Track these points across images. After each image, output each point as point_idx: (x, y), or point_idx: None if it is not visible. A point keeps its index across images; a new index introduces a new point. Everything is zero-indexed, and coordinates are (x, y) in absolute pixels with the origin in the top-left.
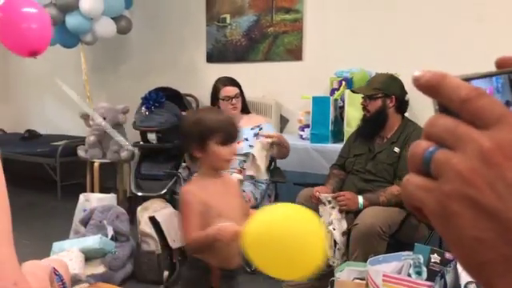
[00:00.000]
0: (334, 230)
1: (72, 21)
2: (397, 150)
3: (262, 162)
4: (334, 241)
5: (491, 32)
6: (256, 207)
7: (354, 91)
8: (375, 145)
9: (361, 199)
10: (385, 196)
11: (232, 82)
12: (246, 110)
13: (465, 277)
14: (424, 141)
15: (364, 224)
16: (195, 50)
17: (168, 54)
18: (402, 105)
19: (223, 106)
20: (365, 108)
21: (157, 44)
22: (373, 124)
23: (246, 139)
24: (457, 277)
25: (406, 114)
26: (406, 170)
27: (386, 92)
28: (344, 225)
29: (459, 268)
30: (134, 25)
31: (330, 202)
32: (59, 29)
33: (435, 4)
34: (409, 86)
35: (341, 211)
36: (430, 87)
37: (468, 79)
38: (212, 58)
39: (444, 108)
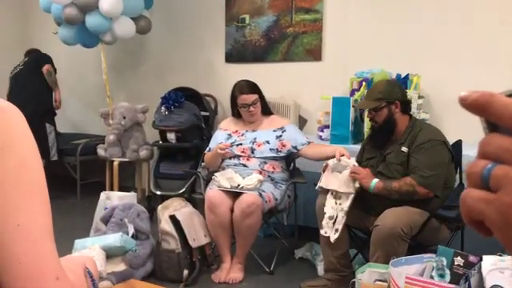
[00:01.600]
0: (340, 204)
1: (92, 21)
2: (404, 149)
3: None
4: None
5: None
6: (275, 207)
7: (357, 107)
8: (386, 147)
9: (375, 180)
10: (398, 183)
11: (249, 88)
12: (266, 112)
13: (490, 280)
14: (481, 160)
15: (385, 225)
16: (214, 50)
17: (187, 54)
18: (407, 106)
19: (242, 113)
20: (372, 119)
21: (176, 44)
22: (384, 132)
23: (268, 142)
24: (481, 280)
25: (427, 116)
26: (417, 166)
27: (388, 100)
28: (347, 203)
29: (484, 271)
30: (154, 25)
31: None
32: (79, 29)
33: (458, 5)
34: (428, 86)
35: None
36: (479, 106)
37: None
38: (231, 58)
39: (493, 125)
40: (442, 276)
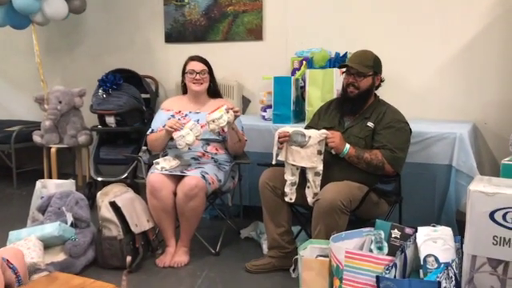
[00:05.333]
0: (309, 168)
1: (19, 1)
2: (370, 124)
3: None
4: (306, 178)
5: (446, 11)
6: (219, 189)
7: (345, 65)
8: (345, 119)
9: (347, 145)
10: (369, 155)
11: (201, 59)
12: (215, 94)
13: (424, 250)
14: None
15: (325, 199)
16: (153, 30)
17: (125, 35)
18: (379, 83)
19: (187, 80)
20: (353, 85)
21: (113, 24)
22: (360, 100)
23: None
24: (416, 250)
25: None
26: (386, 144)
27: (376, 70)
28: (320, 166)
29: (419, 242)
30: (89, 4)
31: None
32: (7, 9)
33: None
34: None
35: (319, 153)
36: None
37: None
38: (171, 38)
39: None
40: (380, 249)
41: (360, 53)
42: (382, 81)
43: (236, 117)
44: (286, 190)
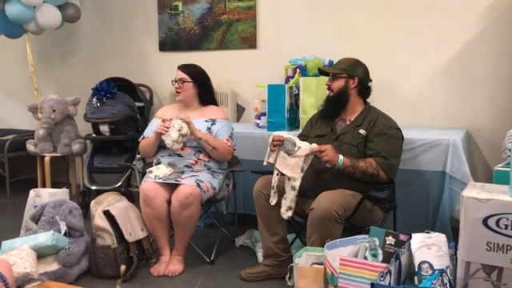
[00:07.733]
0: (289, 179)
1: (12, 9)
2: (362, 131)
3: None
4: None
5: (438, 19)
6: (214, 197)
7: (321, 70)
8: (337, 126)
9: (341, 156)
10: (364, 164)
11: (186, 68)
12: (207, 102)
13: (418, 257)
14: None
15: (320, 208)
16: (147, 39)
17: (120, 43)
18: (365, 89)
19: (174, 88)
20: (329, 87)
21: (108, 33)
22: (335, 103)
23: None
24: (411, 257)
25: None
26: (380, 151)
27: (349, 73)
28: (298, 182)
29: (413, 249)
30: (84, 13)
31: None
32: (1, 18)
33: None
34: None
35: (302, 170)
36: None
37: None
38: (165, 46)
39: None
40: (375, 256)
41: (342, 59)
42: (367, 87)
43: (187, 123)
44: (272, 193)
